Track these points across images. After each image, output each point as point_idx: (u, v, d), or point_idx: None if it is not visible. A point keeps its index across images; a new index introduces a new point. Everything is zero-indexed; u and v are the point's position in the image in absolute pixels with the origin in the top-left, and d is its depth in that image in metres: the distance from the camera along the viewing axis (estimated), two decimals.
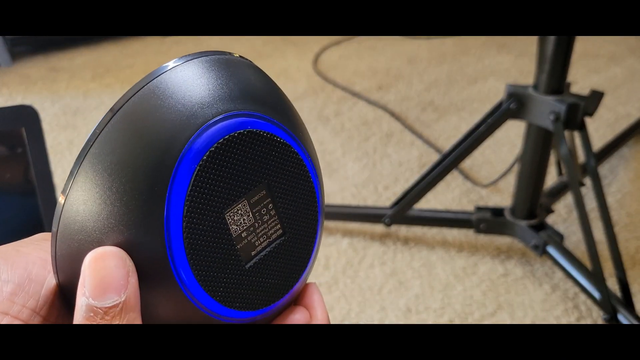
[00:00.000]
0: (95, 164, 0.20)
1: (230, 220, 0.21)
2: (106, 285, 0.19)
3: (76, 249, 0.20)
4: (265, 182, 0.22)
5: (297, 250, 0.24)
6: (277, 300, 0.23)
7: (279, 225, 0.23)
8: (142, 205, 0.19)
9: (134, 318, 0.20)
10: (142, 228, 0.20)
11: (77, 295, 0.20)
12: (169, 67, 0.21)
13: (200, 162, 0.20)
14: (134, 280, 0.20)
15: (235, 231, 0.21)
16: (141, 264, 0.20)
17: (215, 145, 0.20)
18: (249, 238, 0.22)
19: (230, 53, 0.23)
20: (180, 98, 0.20)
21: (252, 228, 0.22)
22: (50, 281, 0.22)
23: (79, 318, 0.19)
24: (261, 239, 0.23)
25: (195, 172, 0.20)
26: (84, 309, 0.19)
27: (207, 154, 0.20)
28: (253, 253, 0.22)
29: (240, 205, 0.22)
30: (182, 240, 0.20)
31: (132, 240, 0.20)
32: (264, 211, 0.22)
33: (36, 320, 0.21)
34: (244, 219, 0.22)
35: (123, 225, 0.20)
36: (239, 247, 0.22)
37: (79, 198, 0.20)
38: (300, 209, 0.24)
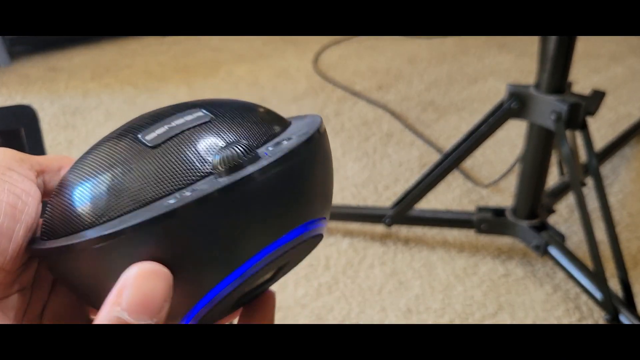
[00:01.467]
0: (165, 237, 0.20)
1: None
2: (146, 306, 0.19)
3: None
4: (286, 261, 0.24)
5: None
6: None
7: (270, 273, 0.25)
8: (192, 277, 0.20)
9: None
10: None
11: (108, 301, 0.19)
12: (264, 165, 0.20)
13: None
14: (167, 307, 0.19)
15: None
16: None
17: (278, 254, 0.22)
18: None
19: (319, 127, 0.23)
20: (262, 207, 0.21)
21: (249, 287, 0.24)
22: (18, 233, 0.22)
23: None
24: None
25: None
26: (114, 320, 0.19)
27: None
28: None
29: None
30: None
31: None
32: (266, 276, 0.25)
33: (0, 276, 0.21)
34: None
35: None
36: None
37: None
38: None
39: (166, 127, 0.22)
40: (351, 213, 0.96)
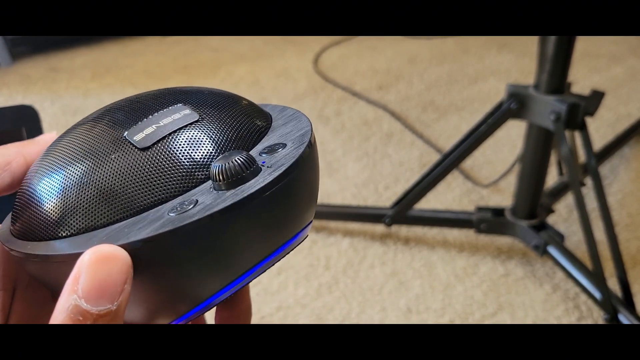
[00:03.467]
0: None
1: None
2: (103, 291, 0.18)
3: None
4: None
5: None
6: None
7: None
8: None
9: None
10: None
11: (64, 290, 0.18)
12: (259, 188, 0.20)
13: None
14: (128, 288, 0.18)
15: None
16: None
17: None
18: None
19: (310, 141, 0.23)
20: (265, 222, 0.21)
21: None
22: None
23: (63, 317, 0.18)
24: None
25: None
26: (72, 310, 0.18)
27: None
28: None
29: None
30: None
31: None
32: None
33: None
34: None
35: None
36: None
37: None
38: None
39: (154, 126, 0.21)
40: (351, 213, 0.96)
